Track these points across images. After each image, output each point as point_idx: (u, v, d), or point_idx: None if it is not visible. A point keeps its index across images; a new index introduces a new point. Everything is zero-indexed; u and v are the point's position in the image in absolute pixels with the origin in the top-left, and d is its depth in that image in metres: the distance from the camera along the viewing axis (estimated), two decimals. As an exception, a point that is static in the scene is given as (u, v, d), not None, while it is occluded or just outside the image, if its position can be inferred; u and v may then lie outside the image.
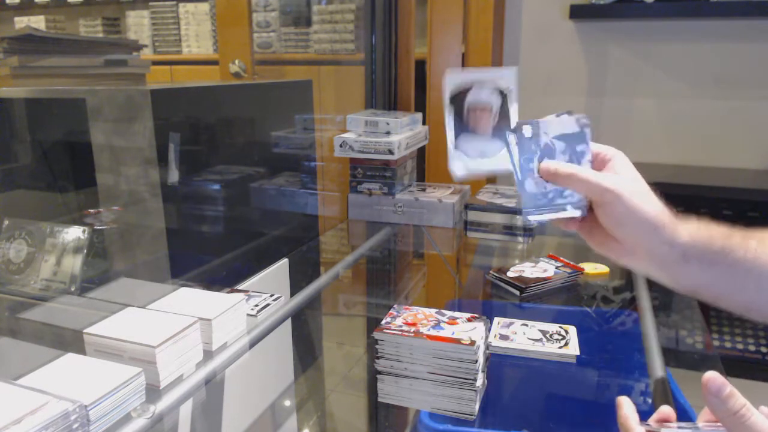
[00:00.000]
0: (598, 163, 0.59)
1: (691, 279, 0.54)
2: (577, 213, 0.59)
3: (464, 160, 0.63)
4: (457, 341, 0.72)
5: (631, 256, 0.56)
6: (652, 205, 0.53)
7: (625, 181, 0.54)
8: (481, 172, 0.63)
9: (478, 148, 0.63)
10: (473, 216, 1.31)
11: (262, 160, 1.26)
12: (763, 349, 1.92)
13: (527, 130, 0.61)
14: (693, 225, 0.55)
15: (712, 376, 0.41)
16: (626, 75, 2.16)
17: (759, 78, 2.02)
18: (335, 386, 1.32)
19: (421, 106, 1.76)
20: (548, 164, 0.58)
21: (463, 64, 2.11)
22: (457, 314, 0.80)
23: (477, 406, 0.74)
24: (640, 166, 0.58)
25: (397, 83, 1.56)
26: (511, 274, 1.15)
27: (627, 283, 1.14)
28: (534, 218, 0.61)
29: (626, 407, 0.50)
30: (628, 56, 2.15)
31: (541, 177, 0.59)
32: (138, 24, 3.02)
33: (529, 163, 0.60)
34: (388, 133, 1.34)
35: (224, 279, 1.11)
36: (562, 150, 0.60)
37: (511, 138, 0.61)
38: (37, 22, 3.10)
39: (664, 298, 1.16)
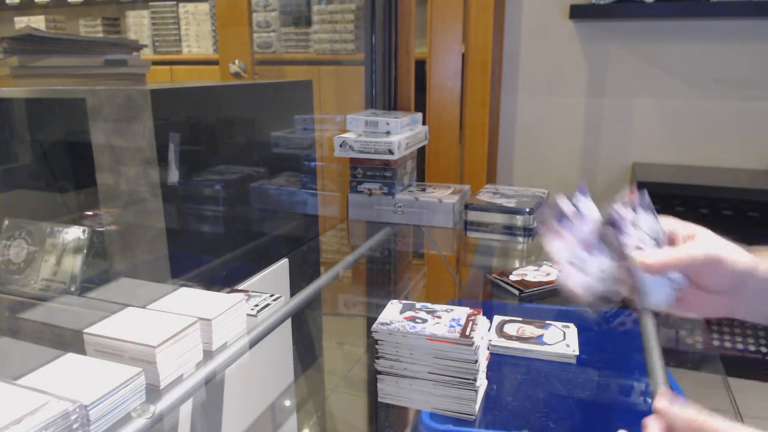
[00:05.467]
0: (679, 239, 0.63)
1: None
2: (683, 284, 0.61)
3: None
4: (457, 341, 0.72)
5: (739, 307, 0.61)
6: (741, 252, 0.60)
7: (710, 240, 0.60)
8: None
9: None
10: (473, 216, 1.31)
11: (262, 160, 1.26)
12: (763, 349, 1.92)
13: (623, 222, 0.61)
14: (764, 255, 0.61)
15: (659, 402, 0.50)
16: (626, 75, 2.16)
17: (759, 78, 2.03)
18: (335, 386, 1.32)
19: (421, 106, 1.76)
20: (646, 257, 0.60)
21: (463, 64, 2.11)
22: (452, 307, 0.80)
23: (477, 406, 0.74)
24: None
25: (397, 83, 1.56)
26: (513, 277, 1.15)
27: (627, 283, 1.14)
28: (656, 305, 0.61)
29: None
30: (628, 56, 2.15)
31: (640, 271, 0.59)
32: (138, 24, 3.02)
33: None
34: (388, 133, 1.34)
35: (224, 279, 1.11)
36: (647, 236, 0.61)
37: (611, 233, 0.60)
38: (37, 22, 3.10)
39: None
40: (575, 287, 0.61)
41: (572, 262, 0.62)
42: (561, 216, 0.63)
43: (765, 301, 0.61)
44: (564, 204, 0.63)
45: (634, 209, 0.60)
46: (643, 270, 0.59)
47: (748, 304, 0.61)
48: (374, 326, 0.76)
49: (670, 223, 0.63)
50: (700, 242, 0.60)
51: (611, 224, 0.61)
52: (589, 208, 0.63)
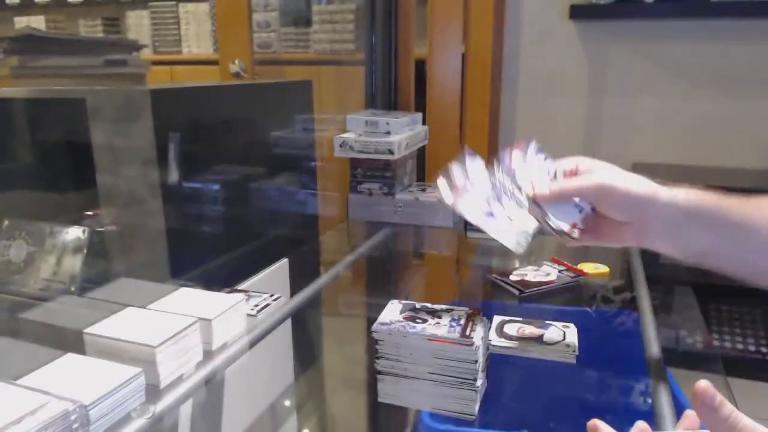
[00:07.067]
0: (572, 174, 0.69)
1: (698, 244, 0.61)
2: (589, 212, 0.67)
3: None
4: (457, 342, 0.72)
5: (646, 233, 0.63)
6: (641, 180, 0.64)
7: (607, 171, 0.65)
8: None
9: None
10: (473, 216, 1.31)
11: (262, 160, 1.26)
12: (764, 349, 1.92)
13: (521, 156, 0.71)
14: (686, 189, 0.64)
15: (704, 385, 0.42)
16: (627, 75, 2.16)
17: (759, 78, 2.03)
18: (335, 386, 1.32)
19: (421, 106, 1.76)
20: (537, 188, 0.66)
21: (463, 64, 2.11)
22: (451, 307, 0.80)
23: (477, 406, 0.74)
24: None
25: (397, 83, 1.56)
26: (513, 277, 1.15)
27: (627, 283, 1.14)
28: (561, 228, 0.66)
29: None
30: (628, 56, 2.15)
31: (535, 202, 0.66)
32: (138, 24, 3.02)
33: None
34: (388, 133, 1.34)
35: (224, 279, 1.11)
36: (539, 173, 0.69)
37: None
38: (37, 22, 3.10)
39: (664, 298, 1.16)
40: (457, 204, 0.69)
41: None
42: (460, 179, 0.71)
43: (674, 230, 0.61)
44: (456, 170, 0.71)
45: (523, 157, 0.70)
46: (536, 200, 0.66)
47: (656, 232, 0.63)
48: (374, 326, 0.76)
49: (573, 161, 0.69)
50: (595, 174, 0.65)
51: (504, 172, 0.70)
52: (477, 169, 0.71)
